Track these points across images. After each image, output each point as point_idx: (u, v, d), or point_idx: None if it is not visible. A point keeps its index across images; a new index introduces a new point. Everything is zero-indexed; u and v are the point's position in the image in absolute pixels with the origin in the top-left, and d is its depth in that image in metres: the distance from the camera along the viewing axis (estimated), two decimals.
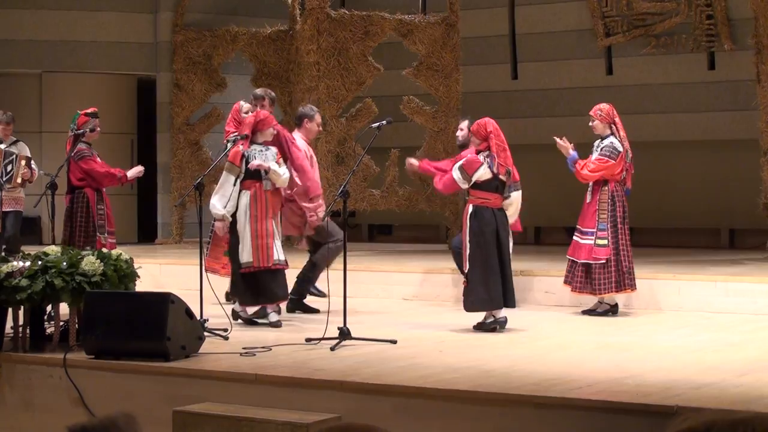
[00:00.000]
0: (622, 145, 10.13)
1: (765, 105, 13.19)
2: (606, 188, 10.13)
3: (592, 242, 10.08)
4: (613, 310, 10.18)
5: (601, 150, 10.16)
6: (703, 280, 10.84)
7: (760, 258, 12.94)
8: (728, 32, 15.08)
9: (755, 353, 8.04)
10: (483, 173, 9.03)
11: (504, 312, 9.13)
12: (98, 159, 10.43)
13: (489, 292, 9.01)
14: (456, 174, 9.10)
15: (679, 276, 10.95)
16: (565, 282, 10.31)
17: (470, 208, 9.13)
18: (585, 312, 10.22)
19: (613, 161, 10.07)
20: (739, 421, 2.90)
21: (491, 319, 9.12)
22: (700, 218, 15.50)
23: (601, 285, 10.03)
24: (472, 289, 9.05)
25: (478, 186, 9.10)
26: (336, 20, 14.98)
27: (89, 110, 10.46)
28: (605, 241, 10.05)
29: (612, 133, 10.19)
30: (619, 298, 10.31)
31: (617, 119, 10.22)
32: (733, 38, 15.01)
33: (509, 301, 9.11)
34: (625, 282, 10.06)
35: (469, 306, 9.10)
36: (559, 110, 15.86)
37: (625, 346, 8.37)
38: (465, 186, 9.11)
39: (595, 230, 10.09)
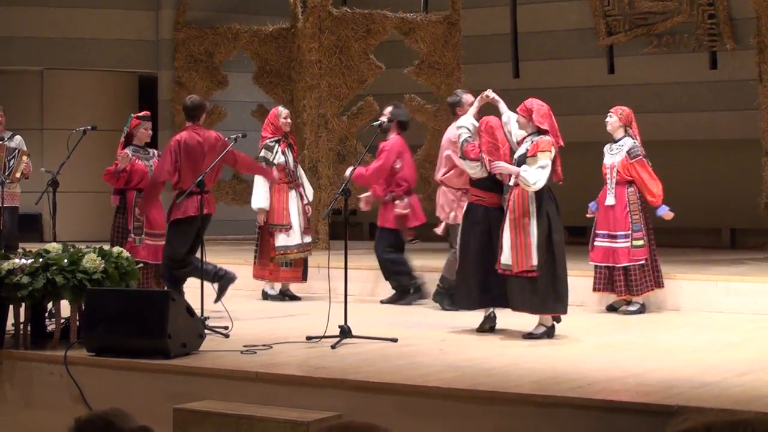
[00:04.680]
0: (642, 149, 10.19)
1: (767, 105, 13.18)
2: (632, 189, 10.15)
3: (628, 245, 10.07)
4: (641, 310, 10.23)
5: (633, 152, 10.10)
6: (704, 279, 10.84)
7: (761, 258, 12.93)
8: (730, 32, 15.07)
9: (756, 353, 8.03)
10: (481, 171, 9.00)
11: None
12: (136, 162, 10.08)
13: (470, 290, 8.93)
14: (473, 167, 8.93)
15: (680, 275, 10.95)
16: (597, 289, 10.26)
17: (464, 206, 9.14)
18: (625, 312, 10.22)
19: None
20: (740, 421, 2.91)
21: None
22: (701, 218, 15.48)
23: (640, 285, 10.06)
24: (458, 287, 9.10)
25: (474, 183, 9.07)
26: (337, 18, 14.98)
27: (140, 114, 10.45)
28: (642, 242, 10.07)
29: (629, 135, 10.19)
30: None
31: (634, 124, 10.25)
32: (735, 38, 14.99)
33: (501, 301, 8.90)
34: (660, 279, 10.24)
35: (455, 304, 9.14)
36: (560, 109, 15.71)
37: (626, 345, 8.37)
38: (484, 174, 8.97)
39: (629, 232, 10.09)
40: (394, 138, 11.11)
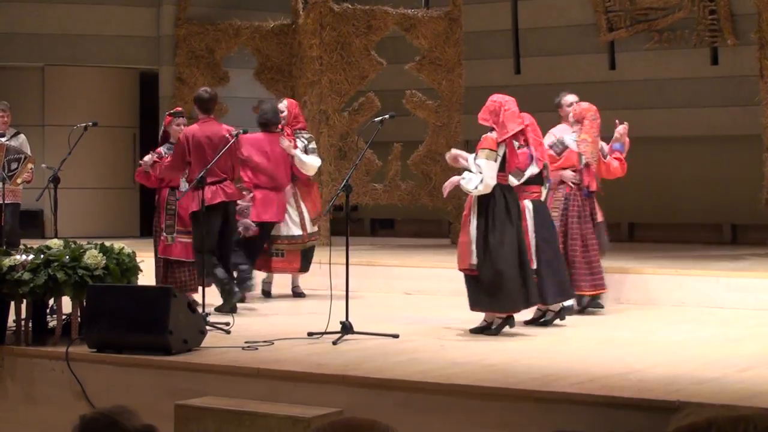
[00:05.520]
0: (577, 145, 9.87)
1: None
2: (561, 188, 9.91)
3: None
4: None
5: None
6: (705, 275, 10.84)
7: (762, 253, 12.93)
8: (731, 27, 15.06)
9: (757, 349, 8.04)
10: (534, 169, 9.03)
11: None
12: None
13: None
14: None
15: (681, 271, 10.95)
16: None
17: (530, 204, 9.09)
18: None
19: (555, 154, 9.91)
20: (741, 418, 2.92)
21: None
22: (702, 213, 15.49)
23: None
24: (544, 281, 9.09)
25: (531, 181, 9.07)
26: (339, 14, 14.98)
27: (173, 110, 10.48)
28: None
29: (575, 131, 10.03)
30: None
31: (587, 122, 9.92)
32: (737, 33, 14.98)
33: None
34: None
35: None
36: None
37: (627, 341, 8.37)
38: (516, 183, 8.91)
39: None
40: (253, 134, 11.00)
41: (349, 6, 15.24)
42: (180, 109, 10.67)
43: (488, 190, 8.51)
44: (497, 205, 8.56)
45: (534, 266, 8.96)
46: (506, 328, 8.67)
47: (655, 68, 15.65)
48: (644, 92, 15.53)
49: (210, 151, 9.63)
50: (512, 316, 8.66)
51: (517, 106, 8.83)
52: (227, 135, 9.68)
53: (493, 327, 8.62)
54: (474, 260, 8.54)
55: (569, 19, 16.24)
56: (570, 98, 10.24)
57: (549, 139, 9.96)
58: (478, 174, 8.51)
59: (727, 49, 15.20)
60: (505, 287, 8.51)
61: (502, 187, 8.61)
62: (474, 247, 8.53)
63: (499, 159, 8.58)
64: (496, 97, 8.84)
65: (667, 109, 15.51)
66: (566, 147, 9.93)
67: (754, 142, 13.54)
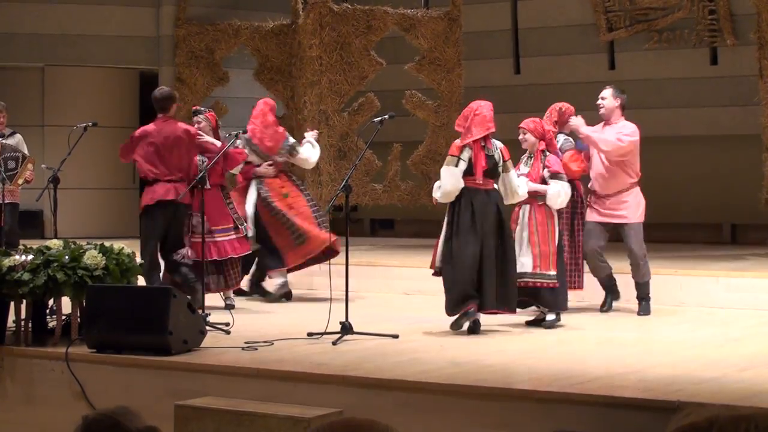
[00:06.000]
0: None
1: (767, 100, 13.18)
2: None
3: None
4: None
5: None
6: (705, 275, 10.84)
7: (762, 253, 12.94)
8: (731, 27, 15.06)
9: (757, 348, 8.04)
10: None
11: None
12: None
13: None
14: (567, 187, 9.08)
15: (680, 271, 10.96)
16: None
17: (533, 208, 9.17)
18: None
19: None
20: (742, 417, 2.92)
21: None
22: (701, 213, 15.49)
23: None
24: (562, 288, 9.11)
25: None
26: (338, 14, 14.98)
27: (192, 108, 10.55)
28: None
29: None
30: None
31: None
32: (736, 33, 14.99)
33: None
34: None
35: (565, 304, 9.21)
36: None
37: (627, 341, 8.38)
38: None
39: None
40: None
41: (349, 6, 15.24)
42: (198, 107, 10.66)
43: (448, 197, 8.65)
44: (462, 210, 8.65)
45: (556, 271, 9.01)
46: (505, 327, 8.70)
47: (655, 68, 15.66)
48: (644, 92, 15.52)
49: (164, 150, 9.63)
50: (469, 311, 8.57)
51: (492, 111, 8.79)
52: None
53: (465, 325, 8.64)
54: (438, 263, 8.80)
55: (569, 19, 16.25)
56: (602, 93, 10.29)
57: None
58: None
59: (726, 49, 15.20)
60: (453, 290, 8.58)
61: (470, 192, 8.63)
62: (438, 250, 8.76)
63: (464, 164, 8.58)
64: (473, 104, 8.91)
65: (667, 108, 15.51)
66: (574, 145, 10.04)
67: (754, 142, 13.54)
